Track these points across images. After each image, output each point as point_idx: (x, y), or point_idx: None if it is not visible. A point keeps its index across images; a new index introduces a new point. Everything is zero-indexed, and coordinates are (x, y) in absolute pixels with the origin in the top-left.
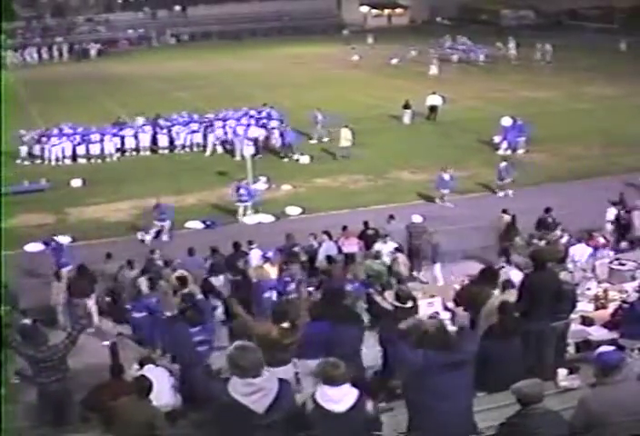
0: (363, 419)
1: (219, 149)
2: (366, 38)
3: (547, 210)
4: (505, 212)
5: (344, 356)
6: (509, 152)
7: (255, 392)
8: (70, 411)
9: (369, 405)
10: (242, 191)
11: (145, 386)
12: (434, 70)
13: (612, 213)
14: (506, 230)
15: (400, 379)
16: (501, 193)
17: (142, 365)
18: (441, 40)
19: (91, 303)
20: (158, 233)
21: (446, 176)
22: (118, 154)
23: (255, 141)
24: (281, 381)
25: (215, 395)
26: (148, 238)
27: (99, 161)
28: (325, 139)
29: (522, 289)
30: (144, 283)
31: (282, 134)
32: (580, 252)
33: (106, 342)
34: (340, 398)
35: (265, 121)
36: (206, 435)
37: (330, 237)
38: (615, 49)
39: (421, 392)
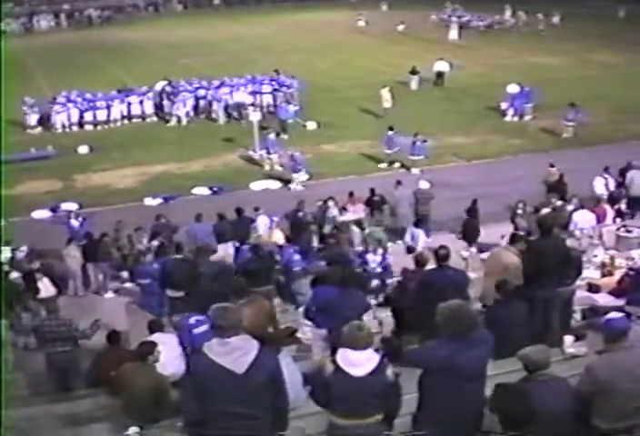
0: (381, 384)
1: (221, 115)
2: (380, 5)
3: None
4: (552, 166)
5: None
6: (516, 118)
7: (231, 352)
8: (77, 379)
9: (389, 371)
10: (297, 159)
11: (146, 351)
12: (453, 35)
13: (600, 183)
14: (555, 184)
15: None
16: (415, 170)
17: (152, 331)
18: (445, 8)
19: (105, 268)
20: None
21: (418, 142)
22: (125, 121)
23: (261, 107)
24: (261, 344)
25: (194, 360)
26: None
27: (106, 127)
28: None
29: (528, 255)
30: (152, 249)
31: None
32: (583, 218)
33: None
34: (362, 362)
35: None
36: (189, 402)
37: (335, 203)
38: (614, 16)
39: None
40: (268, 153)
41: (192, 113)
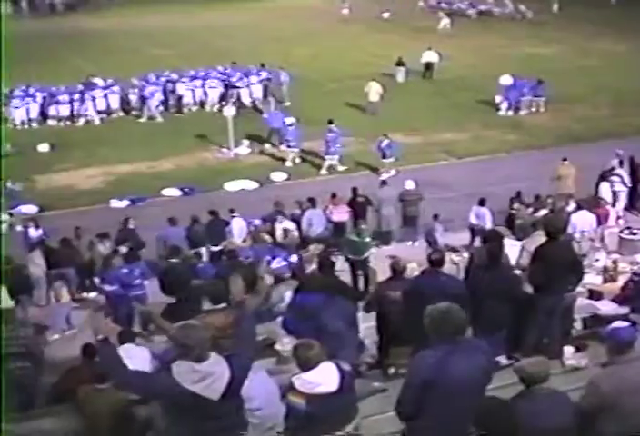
0: (354, 393)
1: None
2: None
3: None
4: (565, 160)
5: (336, 331)
6: (511, 112)
7: (203, 378)
8: (38, 397)
9: (351, 374)
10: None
11: (103, 371)
12: (443, 23)
13: (606, 188)
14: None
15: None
16: (384, 175)
17: (121, 342)
18: None
19: (70, 276)
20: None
21: (385, 142)
22: (89, 117)
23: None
24: (234, 364)
25: (163, 387)
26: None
27: (68, 123)
28: (288, 103)
29: (535, 260)
30: (121, 253)
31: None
32: (583, 220)
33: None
34: (324, 379)
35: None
36: (165, 430)
37: (314, 205)
38: (607, 3)
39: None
40: (289, 146)
41: (161, 108)
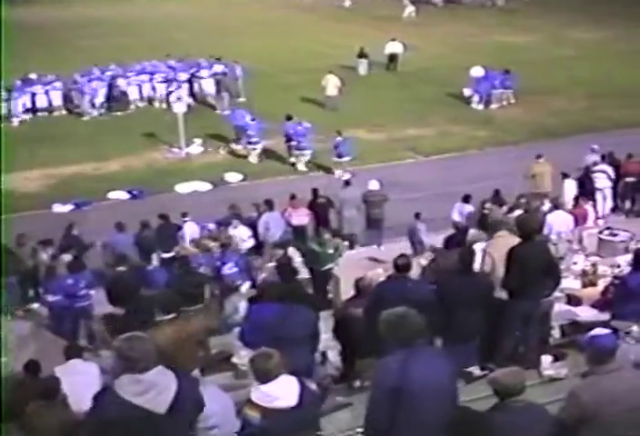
0: (315, 406)
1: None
2: None
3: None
4: (540, 157)
5: (296, 342)
6: (481, 106)
7: (147, 390)
8: None
9: (314, 389)
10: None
11: (52, 387)
12: (408, 11)
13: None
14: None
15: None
16: (339, 173)
17: (68, 358)
18: None
19: (11, 286)
20: None
21: (339, 140)
22: (29, 115)
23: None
24: (181, 376)
25: (105, 402)
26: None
27: (5, 123)
28: (242, 99)
29: (509, 263)
30: (65, 262)
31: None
32: (559, 220)
33: None
34: (284, 392)
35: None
36: None
37: (271, 207)
38: None
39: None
40: (250, 143)
41: (105, 105)
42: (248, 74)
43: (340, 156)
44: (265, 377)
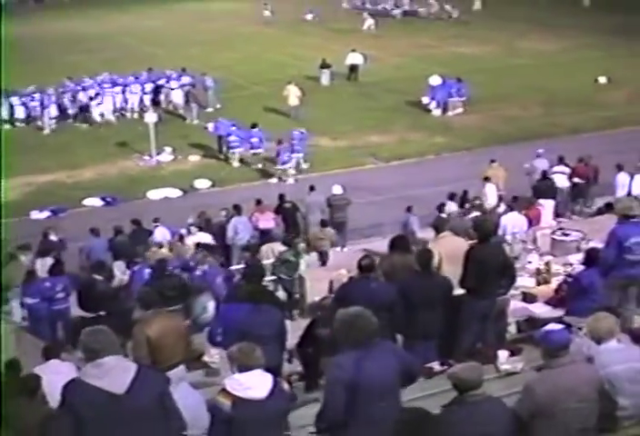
0: (285, 403)
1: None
2: None
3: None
4: (493, 161)
5: (264, 340)
6: (439, 112)
7: (107, 372)
8: None
9: (286, 387)
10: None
11: (32, 385)
12: (367, 24)
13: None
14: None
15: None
16: (290, 180)
17: (47, 358)
18: None
19: None
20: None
21: (255, 131)
22: (7, 126)
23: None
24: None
25: (69, 388)
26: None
27: None
28: (218, 106)
29: (467, 263)
30: (46, 266)
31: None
32: (513, 222)
33: None
34: (258, 383)
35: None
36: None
37: (239, 212)
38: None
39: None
40: (231, 147)
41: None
42: (219, 84)
43: (253, 148)
44: (244, 366)
